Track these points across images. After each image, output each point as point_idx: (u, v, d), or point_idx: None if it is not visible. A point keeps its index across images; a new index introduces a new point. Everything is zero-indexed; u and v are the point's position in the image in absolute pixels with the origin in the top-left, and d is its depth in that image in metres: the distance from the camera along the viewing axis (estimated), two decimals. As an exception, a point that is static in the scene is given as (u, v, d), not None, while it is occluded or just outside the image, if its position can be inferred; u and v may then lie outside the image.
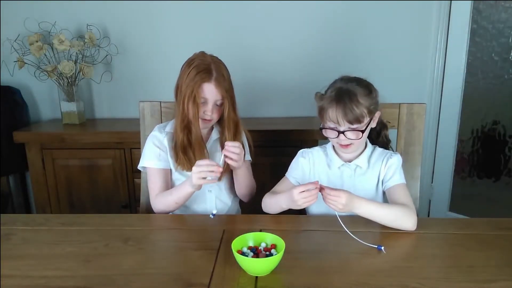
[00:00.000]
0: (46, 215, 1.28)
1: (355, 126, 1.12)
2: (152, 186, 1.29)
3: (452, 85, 2.19)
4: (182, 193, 1.21)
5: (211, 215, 1.11)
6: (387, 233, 1.07)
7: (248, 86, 2.12)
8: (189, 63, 1.23)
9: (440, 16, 2.14)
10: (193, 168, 1.13)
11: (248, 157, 1.38)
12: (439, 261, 0.96)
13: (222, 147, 1.23)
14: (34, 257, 0.97)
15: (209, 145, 1.32)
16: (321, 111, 1.16)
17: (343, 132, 1.13)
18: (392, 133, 1.37)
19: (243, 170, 1.31)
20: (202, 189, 1.30)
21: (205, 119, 1.25)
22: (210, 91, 1.21)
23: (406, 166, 1.36)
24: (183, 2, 2.11)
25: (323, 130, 1.17)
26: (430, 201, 2.39)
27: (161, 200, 1.26)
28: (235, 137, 1.29)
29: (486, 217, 1.18)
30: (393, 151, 1.30)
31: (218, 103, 1.24)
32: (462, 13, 2.09)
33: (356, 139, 1.14)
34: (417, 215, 1.33)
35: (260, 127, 1.79)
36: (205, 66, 1.21)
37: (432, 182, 2.37)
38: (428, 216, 2.38)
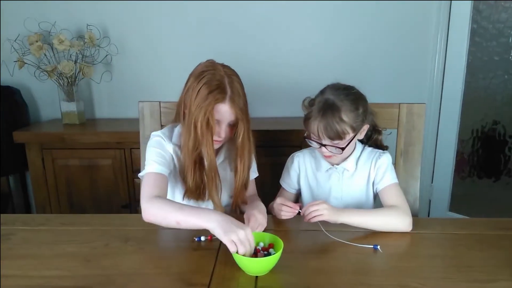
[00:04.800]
0: (46, 215, 1.28)
1: (336, 141, 1.12)
2: (148, 189, 1.05)
3: (452, 85, 2.19)
4: (191, 224, 0.96)
5: (196, 239, 1.02)
6: (387, 233, 1.07)
7: (248, 86, 2.11)
8: (198, 77, 1.07)
9: (440, 16, 2.14)
10: (242, 228, 0.89)
11: (255, 174, 1.31)
12: (439, 261, 0.96)
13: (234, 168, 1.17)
14: (34, 257, 0.97)
15: None
16: (306, 120, 1.15)
17: (325, 145, 1.13)
18: (392, 133, 1.37)
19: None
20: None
21: (216, 141, 1.11)
22: (225, 112, 1.07)
23: (406, 166, 1.36)
24: (183, 2, 2.11)
25: (307, 140, 1.17)
26: (430, 201, 2.39)
27: (159, 210, 1.00)
28: (248, 165, 1.17)
29: (486, 217, 1.18)
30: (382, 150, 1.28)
31: (231, 123, 1.11)
32: (462, 13, 2.09)
33: (337, 153, 1.14)
34: (417, 215, 1.34)
35: (260, 127, 1.79)
36: (217, 83, 1.05)
37: (432, 182, 2.37)
38: (428, 216, 2.38)
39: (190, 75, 1.12)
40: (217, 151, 1.21)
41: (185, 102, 1.10)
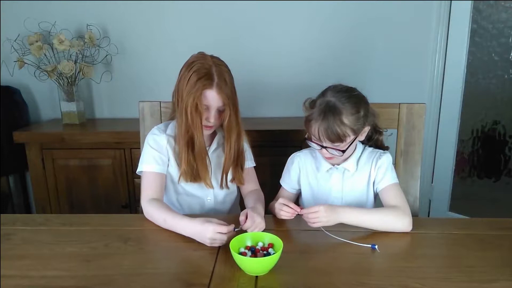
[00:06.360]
0: (46, 215, 1.28)
1: (337, 144, 1.11)
2: (146, 190, 1.20)
3: (452, 85, 2.19)
4: (176, 229, 1.08)
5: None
6: (386, 232, 1.07)
7: (248, 86, 2.12)
8: (188, 66, 1.16)
9: (440, 16, 2.14)
10: (207, 232, 0.99)
11: (252, 163, 1.34)
12: (439, 261, 0.96)
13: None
14: (34, 257, 0.97)
15: (209, 153, 1.27)
16: (306, 122, 1.15)
17: (325, 148, 1.13)
18: (392, 134, 1.37)
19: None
20: (201, 198, 1.30)
21: (207, 126, 1.19)
22: (212, 98, 1.14)
23: (406, 166, 1.36)
24: (183, 2, 2.11)
25: (308, 141, 1.17)
26: (430, 201, 2.39)
27: (152, 214, 1.14)
28: (237, 148, 1.24)
29: (486, 217, 1.18)
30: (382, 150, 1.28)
31: (221, 109, 1.18)
32: (462, 13, 2.09)
33: (337, 155, 1.15)
34: (417, 215, 1.34)
35: (260, 127, 1.79)
36: (205, 71, 1.13)
37: (432, 182, 2.37)
38: (428, 216, 2.38)
39: (183, 66, 1.19)
40: (211, 139, 1.29)
41: (178, 90, 1.19)
